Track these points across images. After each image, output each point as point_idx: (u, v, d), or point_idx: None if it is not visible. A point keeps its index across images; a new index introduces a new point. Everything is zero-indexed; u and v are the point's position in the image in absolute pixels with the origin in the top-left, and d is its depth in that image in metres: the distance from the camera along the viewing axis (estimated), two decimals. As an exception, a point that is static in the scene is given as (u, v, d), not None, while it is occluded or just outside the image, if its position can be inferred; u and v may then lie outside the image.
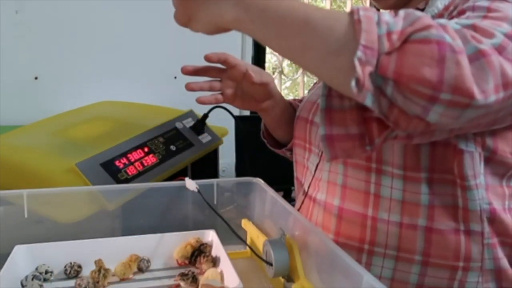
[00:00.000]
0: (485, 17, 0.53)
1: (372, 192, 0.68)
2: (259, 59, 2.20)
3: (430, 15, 0.64)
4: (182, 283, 0.65)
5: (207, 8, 0.55)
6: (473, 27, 0.50)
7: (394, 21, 0.47)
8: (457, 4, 0.64)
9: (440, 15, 0.65)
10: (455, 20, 0.53)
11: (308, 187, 0.80)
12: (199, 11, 0.57)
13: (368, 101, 0.47)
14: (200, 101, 0.82)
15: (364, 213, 0.69)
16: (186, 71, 0.80)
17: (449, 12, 0.64)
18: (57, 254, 0.68)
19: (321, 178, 0.76)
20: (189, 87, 0.81)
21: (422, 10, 0.69)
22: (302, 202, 0.82)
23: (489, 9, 0.55)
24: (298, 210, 0.83)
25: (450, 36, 0.46)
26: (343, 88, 0.51)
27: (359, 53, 0.45)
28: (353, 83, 0.46)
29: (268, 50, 2.33)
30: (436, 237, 0.65)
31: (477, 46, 0.46)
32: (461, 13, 0.58)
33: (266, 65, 2.28)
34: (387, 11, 0.53)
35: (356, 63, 0.45)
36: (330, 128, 0.54)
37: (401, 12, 0.49)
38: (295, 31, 0.50)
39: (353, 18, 0.47)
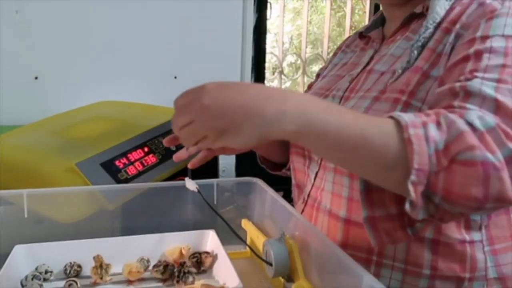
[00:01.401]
0: (503, 66, 0.56)
1: None
2: (259, 59, 2.20)
3: (432, 22, 0.65)
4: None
5: (260, 122, 0.50)
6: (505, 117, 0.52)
7: (440, 136, 0.49)
8: (460, 14, 0.64)
9: (446, 29, 0.64)
10: (480, 76, 0.55)
11: (308, 195, 0.78)
12: (245, 126, 0.51)
13: (420, 215, 0.51)
14: (191, 165, 0.77)
15: None
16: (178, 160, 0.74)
17: (451, 23, 0.64)
18: (57, 254, 0.68)
19: (324, 188, 0.74)
20: (177, 158, 0.74)
21: (421, 14, 0.69)
22: (303, 210, 0.79)
23: (506, 54, 0.56)
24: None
25: (490, 151, 0.48)
26: (396, 191, 0.54)
27: (413, 177, 0.48)
28: (407, 205, 0.50)
29: (268, 50, 2.33)
30: (444, 249, 0.65)
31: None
32: (471, 42, 0.59)
33: (266, 65, 2.28)
34: (427, 113, 0.52)
35: (410, 187, 0.48)
36: (372, 210, 0.56)
37: (442, 121, 0.50)
38: (353, 145, 0.51)
39: (404, 135, 0.50)
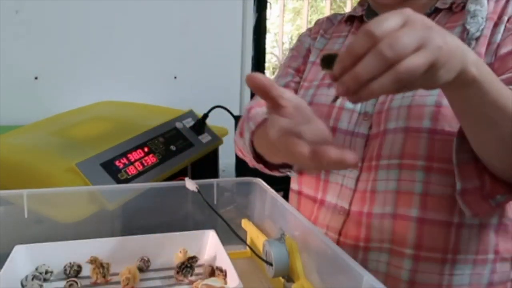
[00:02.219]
0: None
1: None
2: (259, 59, 2.20)
3: (485, 14, 0.66)
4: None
5: (461, 56, 0.45)
6: None
7: None
8: (504, 7, 0.66)
9: (494, 20, 0.66)
10: None
11: (350, 204, 0.73)
12: (453, 59, 0.45)
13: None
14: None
15: (448, 220, 0.67)
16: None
17: (498, 14, 0.66)
18: (57, 254, 0.68)
19: (376, 190, 0.69)
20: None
21: (447, 9, 0.70)
22: (344, 222, 0.73)
23: None
24: (340, 232, 0.74)
25: None
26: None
27: None
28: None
29: (268, 50, 2.33)
30: (503, 231, 0.67)
31: None
32: None
33: (266, 65, 2.28)
34: None
35: None
36: (464, 183, 0.59)
37: None
38: (505, 106, 0.50)
39: None
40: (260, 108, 0.77)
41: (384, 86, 0.40)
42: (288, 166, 0.78)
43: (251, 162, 0.79)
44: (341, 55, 0.42)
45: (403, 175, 0.67)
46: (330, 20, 0.87)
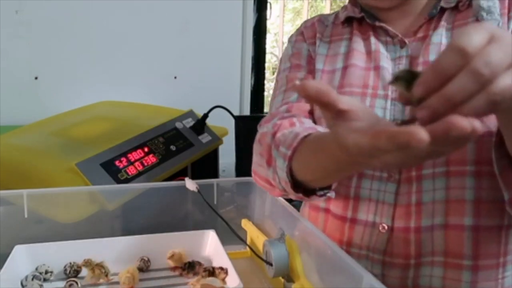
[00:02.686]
0: None
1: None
2: (259, 59, 2.20)
3: (499, 10, 0.64)
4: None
5: None
6: None
7: None
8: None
9: (505, 14, 0.64)
10: None
11: (392, 220, 0.67)
12: None
13: None
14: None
15: (500, 224, 0.65)
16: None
17: (507, 8, 0.64)
18: (57, 254, 0.68)
19: (422, 201, 0.65)
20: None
21: (454, 7, 0.68)
22: (388, 240, 0.68)
23: None
24: (385, 251, 0.68)
25: None
26: None
27: None
28: None
29: (268, 50, 2.33)
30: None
31: None
32: None
33: (266, 65, 2.28)
34: None
35: None
36: (510, 192, 0.59)
37: None
38: None
39: None
40: (287, 130, 0.64)
41: (477, 108, 0.35)
42: (328, 188, 0.63)
43: (281, 192, 0.66)
44: (425, 75, 0.36)
45: (451, 183, 0.63)
46: (321, 22, 0.81)
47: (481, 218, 0.63)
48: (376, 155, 0.37)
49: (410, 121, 0.39)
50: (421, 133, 0.32)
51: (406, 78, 0.38)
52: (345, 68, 0.73)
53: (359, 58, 0.73)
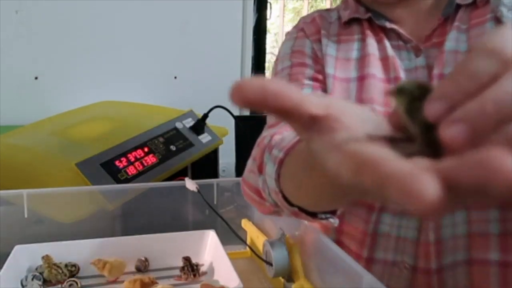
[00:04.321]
0: None
1: None
2: (259, 59, 2.20)
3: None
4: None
5: None
6: None
7: None
8: None
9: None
10: None
11: (415, 258, 0.61)
12: None
13: None
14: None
15: None
16: None
17: None
18: (57, 254, 0.68)
19: (443, 237, 0.60)
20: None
21: (471, 4, 0.62)
22: (411, 281, 0.62)
23: None
24: None
25: None
26: None
27: None
28: None
29: (268, 50, 2.33)
30: None
31: None
32: None
33: (266, 65, 2.28)
34: None
35: None
36: None
37: None
38: None
39: None
40: (287, 132, 0.54)
41: None
42: (332, 212, 0.49)
43: (272, 207, 0.52)
44: (442, 87, 0.24)
45: (473, 216, 0.58)
46: (324, 18, 0.72)
47: (510, 252, 0.58)
48: (369, 192, 0.24)
49: (412, 138, 0.26)
50: (430, 187, 0.19)
51: (413, 93, 0.26)
52: (361, 78, 0.64)
53: (375, 66, 0.64)
